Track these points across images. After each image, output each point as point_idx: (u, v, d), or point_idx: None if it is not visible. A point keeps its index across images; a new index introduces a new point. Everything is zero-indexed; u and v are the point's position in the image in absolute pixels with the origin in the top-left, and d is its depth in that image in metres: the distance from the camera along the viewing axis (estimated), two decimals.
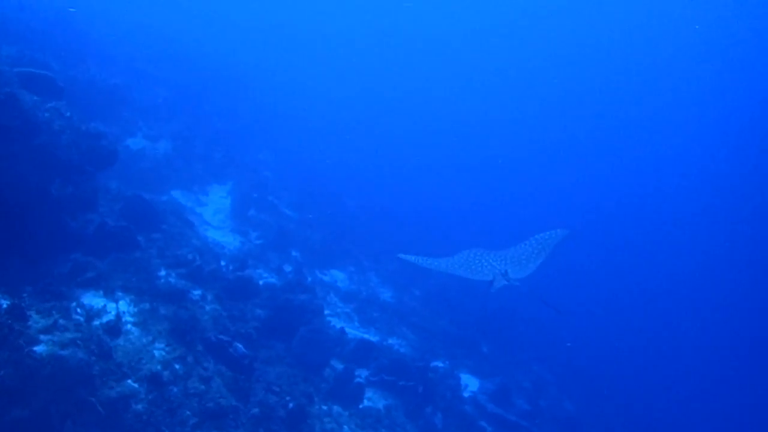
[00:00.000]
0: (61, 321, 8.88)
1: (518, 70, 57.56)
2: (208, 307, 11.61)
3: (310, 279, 18.64)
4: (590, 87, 55.66)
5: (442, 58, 58.64)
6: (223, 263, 15.73)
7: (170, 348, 9.65)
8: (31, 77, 11.81)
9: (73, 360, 8.29)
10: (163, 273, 11.89)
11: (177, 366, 9.44)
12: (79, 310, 9.44)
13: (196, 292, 11.84)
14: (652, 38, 53.48)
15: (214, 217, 20.22)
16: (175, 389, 9.17)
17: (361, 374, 14.34)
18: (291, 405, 10.61)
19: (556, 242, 8.67)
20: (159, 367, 9.22)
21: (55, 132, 10.75)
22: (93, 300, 10.08)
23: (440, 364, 17.05)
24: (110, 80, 20.85)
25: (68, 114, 11.29)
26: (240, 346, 10.58)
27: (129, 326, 9.72)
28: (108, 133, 11.93)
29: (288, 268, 18.32)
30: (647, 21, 52.63)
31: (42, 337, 8.53)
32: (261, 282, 15.53)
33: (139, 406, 8.75)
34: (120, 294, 10.58)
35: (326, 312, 17.09)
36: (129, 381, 8.89)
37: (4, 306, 8.68)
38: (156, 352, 9.46)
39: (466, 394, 16.50)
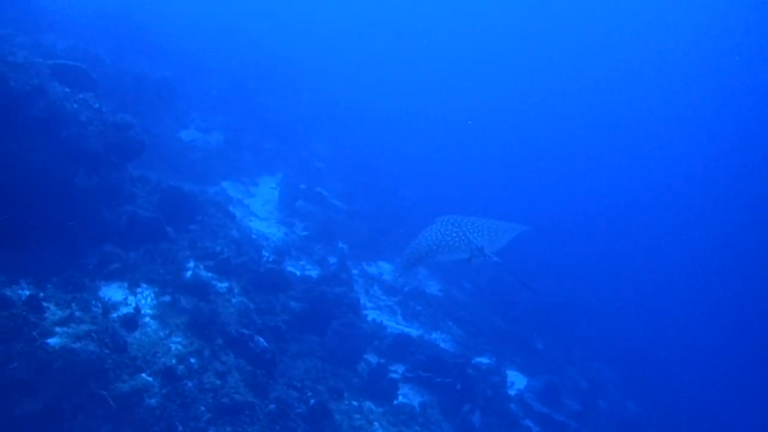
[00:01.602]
0: (77, 313, 8.89)
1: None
2: (234, 300, 11.48)
3: (355, 271, 18.43)
4: (603, 83, 53.66)
5: (502, 49, 57.28)
6: (265, 254, 15.73)
7: (187, 342, 9.54)
8: (64, 69, 11.98)
9: (84, 353, 8.26)
10: (191, 265, 11.85)
11: (193, 360, 9.31)
12: (97, 302, 9.44)
13: (223, 285, 11.74)
14: (655, 35, 51.57)
15: (262, 208, 20.26)
16: (190, 384, 9.03)
17: (398, 370, 13.95)
18: (312, 401, 10.32)
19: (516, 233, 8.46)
20: (174, 361, 9.11)
21: (83, 123, 10.83)
22: (115, 292, 10.10)
23: (485, 361, 16.44)
24: (160, 73, 21.18)
25: (97, 105, 11.37)
26: (261, 340, 10.37)
27: (147, 319, 9.67)
28: (136, 124, 11.90)
29: (332, 260, 18.09)
30: (651, 18, 50.79)
31: (57, 329, 8.55)
32: (299, 274, 15.42)
33: (153, 401, 8.66)
34: (144, 286, 10.58)
35: (369, 305, 16.87)
36: (143, 375, 8.81)
37: (23, 297, 8.79)
38: (172, 346, 9.36)
39: (511, 392, 15.82)
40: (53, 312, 8.81)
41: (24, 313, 8.40)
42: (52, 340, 8.33)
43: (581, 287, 27.89)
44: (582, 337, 23.56)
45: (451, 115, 44.02)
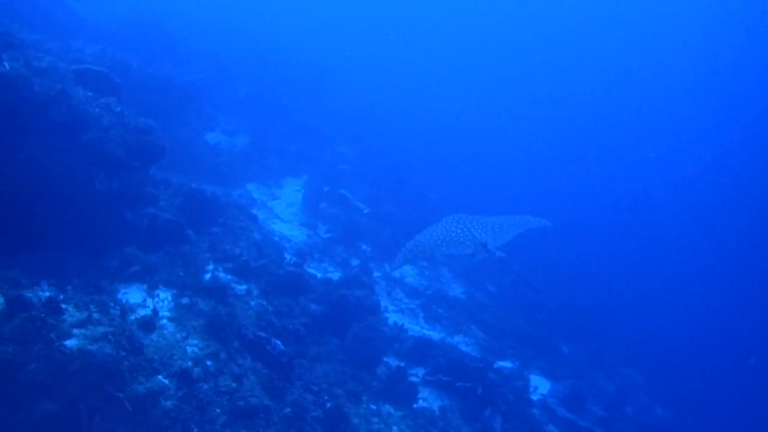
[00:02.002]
0: (95, 315, 8.99)
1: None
2: (253, 303, 11.51)
3: (378, 273, 18.36)
4: (624, 82, 52.99)
5: (528, 51, 56.78)
6: (287, 257, 15.76)
7: (204, 344, 9.58)
8: (88, 74, 12.18)
9: (101, 355, 8.35)
10: (210, 267, 11.93)
11: (209, 363, 9.34)
12: (116, 304, 9.54)
13: (242, 287, 11.79)
14: (673, 32, 50.89)
15: (285, 210, 20.36)
16: (206, 386, 9.06)
17: (418, 373, 13.86)
18: (329, 405, 10.29)
19: (532, 227, 8.73)
20: (190, 363, 9.15)
21: (104, 127, 10.99)
22: (133, 294, 10.21)
23: (507, 365, 16.23)
24: (185, 77, 21.42)
25: (118, 109, 11.52)
26: (278, 343, 10.37)
27: (164, 321, 9.74)
28: (156, 128, 12.03)
29: (355, 262, 18.07)
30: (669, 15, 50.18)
31: (75, 331, 8.65)
32: (320, 276, 15.41)
33: (168, 403, 8.70)
34: (163, 288, 10.67)
35: (391, 308, 16.81)
36: (159, 377, 8.86)
37: (43, 299, 8.93)
38: (189, 348, 9.41)
39: (534, 397, 15.59)
40: (72, 314, 8.93)
41: (43, 315, 8.53)
42: (70, 342, 8.44)
43: (609, 289, 27.47)
44: (610, 341, 23.16)
45: (477, 116, 43.75)
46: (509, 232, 8.34)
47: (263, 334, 10.31)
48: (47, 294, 9.21)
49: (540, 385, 16.22)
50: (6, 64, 10.59)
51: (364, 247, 19.54)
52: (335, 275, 16.46)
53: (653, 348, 24.85)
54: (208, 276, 11.49)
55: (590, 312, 23.15)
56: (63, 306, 9.00)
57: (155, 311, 9.76)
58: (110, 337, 8.76)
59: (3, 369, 7.97)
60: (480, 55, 55.92)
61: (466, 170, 34.97)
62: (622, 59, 54.83)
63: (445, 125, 39.72)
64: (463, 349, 15.97)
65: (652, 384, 22.41)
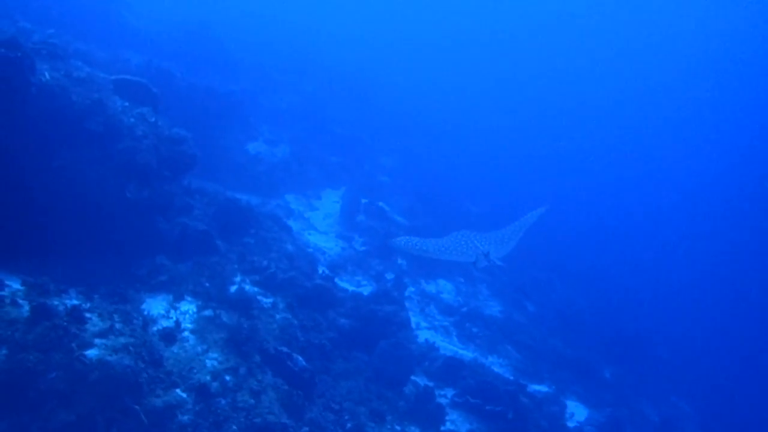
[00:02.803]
0: (117, 325, 8.99)
1: None
2: (278, 316, 11.39)
3: (412, 288, 18.10)
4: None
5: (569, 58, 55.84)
6: (320, 269, 15.66)
7: (223, 358, 9.48)
8: (126, 84, 12.36)
9: (119, 366, 8.33)
10: (237, 279, 11.89)
11: (228, 377, 9.23)
12: (139, 314, 9.55)
13: (268, 300, 11.69)
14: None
15: (323, 221, 20.30)
16: (223, 401, 8.95)
17: (447, 394, 13.49)
18: (349, 425, 10.06)
19: (535, 219, 9.77)
20: (208, 377, 9.06)
21: (137, 137, 11.10)
22: (158, 304, 10.22)
23: (543, 389, 15.68)
24: (228, 87, 21.66)
25: (153, 119, 11.64)
26: (300, 359, 10.20)
27: (186, 333, 9.70)
28: (189, 138, 12.10)
29: (389, 276, 17.85)
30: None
31: (97, 341, 8.66)
32: (350, 290, 15.23)
33: (185, 417, 8.62)
34: (188, 299, 10.66)
35: (424, 324, 16.51)
36: (177, 390, 8.80)
37: (69, 306, 8.99)
38: (208, 362, 9.33)
39: (570, 424, 15.00)
40: (94, 323, 8.96)
41: (65, 324, 8.57)
42: (91, 352, 8.45)
43: (657, 311, 26.43)
44: (657, 366, 22.20)
45: (520, 127, 43.04)
46: (512, 240, 9.20)
47: (285, 349, 10.16)
48: (74, 302, 9.29)
49: (577, 412, 15.61)
50: (46, 74, 10.84)
51: (399, 261, 19.28)
52: (368, 289, 16.28)
53: (705, 375, 23.74)
54: (234, 288, 11.44)
55: (636, 335, 22.26)
56: (87, 315, 9.03)
57: (177, 323, 9.73)
58: (130, 348, 8.74)
59: (24, 377, 8.03)
60: (522, 64, 55.26)
61: (510, 181, 34.33)
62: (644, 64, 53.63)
63: (490, 135, 39.19)
64: (497, 370, 15.51)
65: (703, 415, 21.36)
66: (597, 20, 57.87)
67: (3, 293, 8.99)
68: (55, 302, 9.08)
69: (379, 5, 55.42)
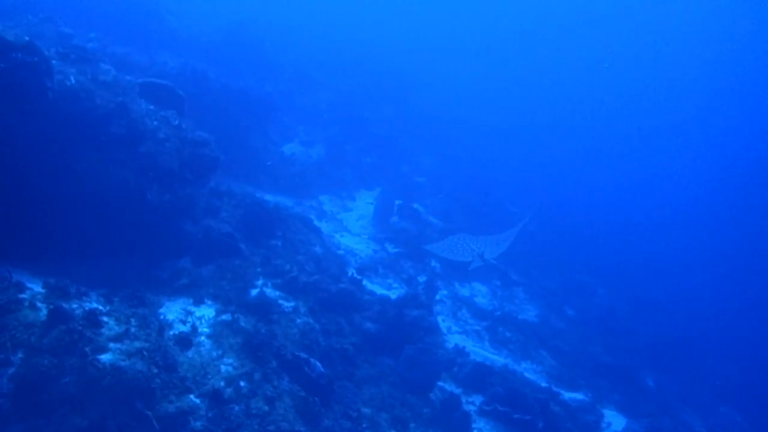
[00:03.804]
0: (133, 329, 8.96)
1: None
2: (299, 320, 11.23)
3: (445, 292, 17.74)
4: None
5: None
6: (350, 271, 15.48)
7: (238, 363, 9.36)
8: (152, 87, 12.42)
9: (132, 371, 8.28)
10: (259, 282, 11.77)
11: (242, 383, 9.09)
12: (156, 318, 9.52)
13: (289, 304, 11.54)
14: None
15: (356, 223, 20.13)
16: (237, 408, 8.81)
17: (475, 401, 13.10)
18: None
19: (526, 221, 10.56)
20: (222, 383, 8.95)
21: (160, 140, 11.11)
22: (177, 308, 10.19)
23: (578, 397, 15.08)
24: (263, 88, 21.70)
25: (176, 122, 11.64)
26: (318, 364, 10.00)
27: (202, 338, 9.62)
28: (212, 141, 12.06)
29: (422, 279, 17.53)
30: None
31: (111, 345, 8.64)
32: (381, 292, 14.99)
33: (198, 424, 8.51)
34: (208, 303, 10.60)
35: (455, 328, 16.16)
36: (191, 396, 8.71)
37: (86, 309, 9.02)
38: (223, 367, 9.21)
39: None
40: (111, 327, 8.94)
41: (80, 328, 8.58)
42: (105, 357, 8.42)
43: (705, 316, 25.28)
44: (705, 374, 21.23)
45: (559, 126, 41.99)
46: (505, 243, 9.83)
47: (302, 355, 9.98)
48: (92, 305, 9.31)
49: (614, 421, 14.97)
50: (72, 78, 10.94)
51: (433, 263, 18.92)
52: (399, 291, 16.00)
53: (758, 383, 22.56)
54: (255, 292, 11.32)
55: (682, 341, 21.36)
56: (104, 319, 9.03)
57: (194, 327, 9.67)
58: (144, 353, 8.69)
59: (38, 381, 8.06)
60: (562, 61, 54.05)
61: (549, 180, 33.47)
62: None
63: (530, 135, 38.33)
64: (530, 376, 15.01)
65: (756, 426, 20.30)
66: (629, 19, 56.35)
67: (23, 296, 9.07)
68: (74, 306, 9.12)
69: (417, 5, 55.03)
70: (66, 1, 24.42)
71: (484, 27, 57.59)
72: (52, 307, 8.76)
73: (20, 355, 8.21)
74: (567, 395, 14.75)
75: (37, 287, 9.41)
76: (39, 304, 8.91)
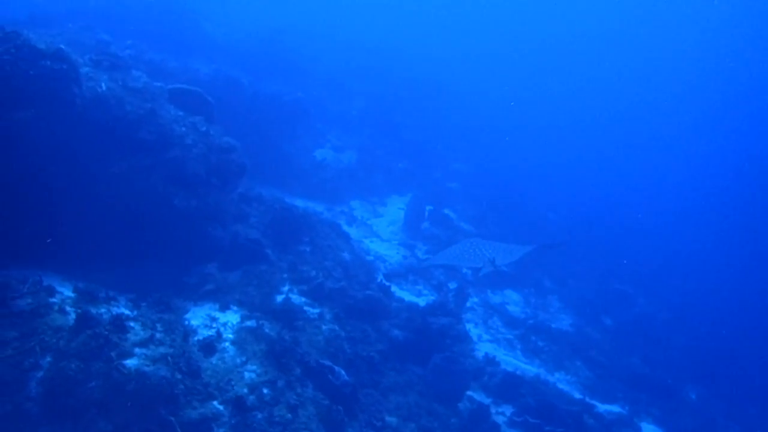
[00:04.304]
0: (158, 335, 8.98)
1: None
2: (324, 327, 11.13)
3: (476, 299, 17.48)
4: None
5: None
6: (378, 278, 15.36)
7: (262, 370, 9.28)
8: (182, 93, 12.51)
9: (155, 377, 8.29)
10: (285, 288, 11.71)
11: (265, 390, 9.02)
12: (181, 324, 9.52)
13: (315, 311, 11.44)
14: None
15: (386, 228, 20.00)
16: (260, 415, 8.75)
17: (505, 411, 12.80)
18: None
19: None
20: (245, 390, 8.89)
21: (188, 146, 11.16)
22: (202, 314, 10.18)
23: (614, 409, 14.61)
24: (294, 94, 21.77)
25: (204, 128, 11.68)
26: (342, 372, 9.88)
27: (227, 344, 9.57)
28: (239, 147, 12.08)
29: (452, 285, 17.29)
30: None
31: (137, 350, 8.66)
32: (410, 299, 14.82)
33: (221, 431, 8.47)
34: (234, 309, 10.57)
35: (486, 337, 15.89)
36: (214, 402, 8.66)
37: (113, 314, 9.07)
38: (246, 374, 9.16)
39: None
40: (136, 332, 8.98)
41: (106, 333, 8.63)
42: (130, 362, 8.45)
43: (756, 329, 24.34)
44: (754, 390, 20.38)
45: (601, 128, 41.13)
46: (515, 254, 9.60)
47: (326, 362, 9.87)
48: (120, 310, 9.38)
49: None
50: (103, 84, 11.08)
51: (465, 270, 18.64)
52: (429, 298, 15.81)
53: None
54: (281, 298, 11.27)
55: (728, 353, 20.57)
56: (130, 324, 9.08)
57: (219, 333, 9.64)
58: (168, 358, 8.69)
59: (65, 385, 8.12)
60: (602, 61, 53.05)
61: (591, 186, 32.78)
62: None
63: (570, 139, 37.64)
64: (563, 387, 14.61)
65: None
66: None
67: (53, 300, 9.18)
68: (102, 310, 9.19)
69: (451, 9, 54.76)
70: (106, 9, 25.03)
71: (520, 30, 56.99)
72: (80, 311, 8.86)
73: (48, 359, 8.29)
74: (602, 407, 14.31)
75: (67, 291, 9.53)
76: (68, 309, 9.00)
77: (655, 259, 26.41)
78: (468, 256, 9.22)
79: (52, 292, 9.28)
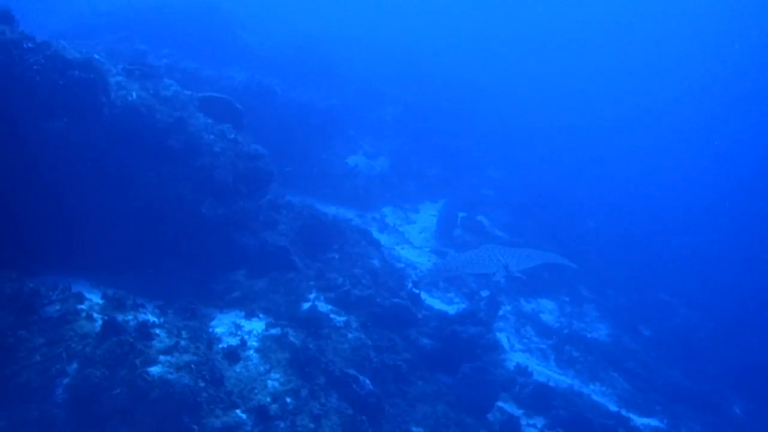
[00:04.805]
0: (183, 342, 8.98)
1: None
2: (350, 335, 11.00)
3: (508, 307, 17.17)
4: None
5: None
6: (408, 285, 15.20)
7: (285, 379, 9.21)
8: (212, 101, 12.61)
9: (178, 385, 8.27)
10: (312, 296, 11.64)
11: (288, 399, 8.94)
12: (206, 332, 9.53)
13: (341, 319, 11.33)
14: None
15: (418, 235, 19.83)
16: (282, 425, 8.66)
17: (537, 423, 12.48)
18: None
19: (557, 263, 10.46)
20: (268, 399, 8.83)
21: (216, 154, 11.23)
22: (228, 321, 10.18)
23: (653, 423, 14.15)
24: (328, 101, 21.81)
25: (232, 136, 11.74)
26: (368, 382, 9.74)
27: (251, 352, 9.53)
28: (266, 155, 12.09)
29: (484, 293, 17.02)
30: None
31: (161, 357, 8.67)
32: (439, 307, 14.64)
33: None
34: (260, 316, 10.54)
35: (518, 346, 15.57)
36: (237, 411, 8.61)
37: (140, 321, 9.13)
38: (269, 383, 9.10)
39: None
40: (161, 339, 9.00)
41: (132, 340, 8.68)
42: (154, 369, 8.45)
43: None
44: None
45: (644, 132, 40.08)
46: (532, 261, 9.74)
47: (351, 372, 9.75)
48: (146, 317, 9.44)
49: None
50: (134, 93, 11.24)
51: (497, 278, 18.29)
52: (460, 306, 15.60)
53: None
54: (307, 305, 11.19)
55: None
56: (156, 331, 9.10)
57: (243, 341, 9.61)
58: (192, 366, 8.67)
59: (90, 392, 8.19)
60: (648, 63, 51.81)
61: (632, 193, 31.95)
62: None
63: (612, 145, 36.80)
64: (598, 399, 14.20)
65: None
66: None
67: (81, 306, 9.29)
68: (129, 317, 9.25)
69: (486, 12, 54.27)
70: (145, 21, 25.58)
71: (559, 29, 56.14)
72: (106, 318, 8.95)
73: (75, 365, 8.37)
74: (639, 421, 13.87)
75: (96, 298, 9.63)
76: (95, 315, 9.07)
77: (698, 267, 25.57)
78: (482, 262, 9.27)
79: (81, 298, 9.38)
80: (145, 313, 9.73)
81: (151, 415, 8.19)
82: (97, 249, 10.48)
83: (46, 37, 9.84)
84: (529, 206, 23.95)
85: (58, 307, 9.00)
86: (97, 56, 11.78)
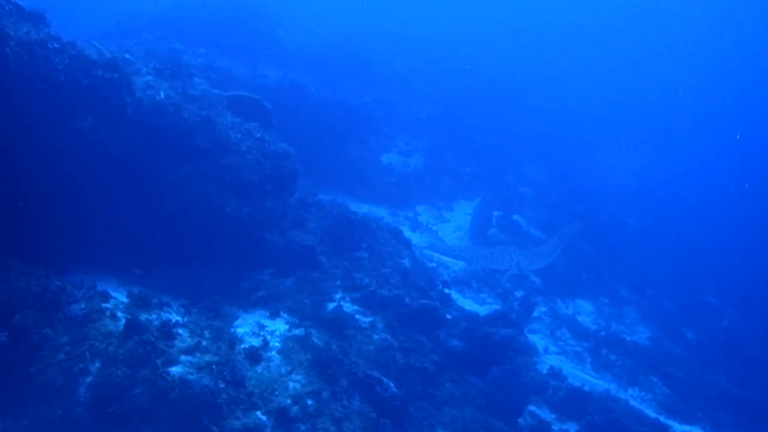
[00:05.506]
0: (204, 342, 8.94)
1: None
2: (376, 336, 10.80)
3: (544, 308, 16.73)
4: None
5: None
6: (439, 285, 14.93)
7: (306, 381, 9.08)
8: (240, 100, 12.58)
9: (198, 386, 8.22)
10: (338, 296, 11.49)
11: (309, 401, 8.81)
12: (228, 331, 9.47)
13: (366, 319, 11.14)
14: None
15: (452, 234, 19.52)
16: (303, 427, 8.52)
17: (570, 429, 12.08)
18: None
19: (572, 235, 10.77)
20: (289, 401, 8.71)
21: (242, 153, 11.18)
22: (251, 321, 10.11)
23: (694, 431, 13.56)
24: (361, 99, 21.63)
25: (259, 135, 11.68)
26: (391, 384, 9.54)
27: (273, 353, 9.43)
28: (293, 154, 11.97)
29: (519, 294, 16.61)
30: None
31: (183, 357, 8.64)
32: (467, 309, 14.31)
33: None
34: (284, 316, 10.44)
35: (552, 349, 15.16)
36: (257, 413, 8.52)
37: (163, 319, 9.13)
38: (291, 384, 8.98)
39: None
40: (183, 339, 8.97)
41: (154, 340, 8.67)
42: (175, 369, 8.41)
43: None
44: None
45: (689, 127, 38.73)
46: (547, 258, 10.27)
47: (375, 374, 9.56)
48: (170, 316, 9.43)
49: None
50: (162, 92, 11.27)
51: (533, 278, 17.87)
52: (493, 307, 15.23)
53: None
54: (332, 306, 11.05)
55: None
56: (179, 330, 9.07)
57: (266, 342, 9.52)
58: (213, 366, 8.61)
59: (112, 391, 8.20)
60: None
61: (674, 190, 30.90)
62: None
63: (655, 142, 35.67)
64: (636, 405, 13.68)
65: None
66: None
67: (106, 305, 9.34)
68: (152, 316, 9.26)
69: (525, 6, 53.32)
70: (183, 20, 25.90)
71: (599, 22, 54.79)
72: (129, 317, 8.97)
73: (98, 364, 8.41)
74: (679, 428, 13.33)
75: (121, 297, 9.67)
76: (119, 314, 9.11)
77: (746, 268, 24.53)
78: (495, 260, 9.31)
79: (106, 297, 9.43)
80: (170, 312, 9.73)
81: (171, 416, 8.15)
82: (125, 247, 10.55)
83: (87, 37, 9.97)
84: (567, 204, 23.34)
85: (83, 306, 9.06)
86: (128, 55, 11.93)
